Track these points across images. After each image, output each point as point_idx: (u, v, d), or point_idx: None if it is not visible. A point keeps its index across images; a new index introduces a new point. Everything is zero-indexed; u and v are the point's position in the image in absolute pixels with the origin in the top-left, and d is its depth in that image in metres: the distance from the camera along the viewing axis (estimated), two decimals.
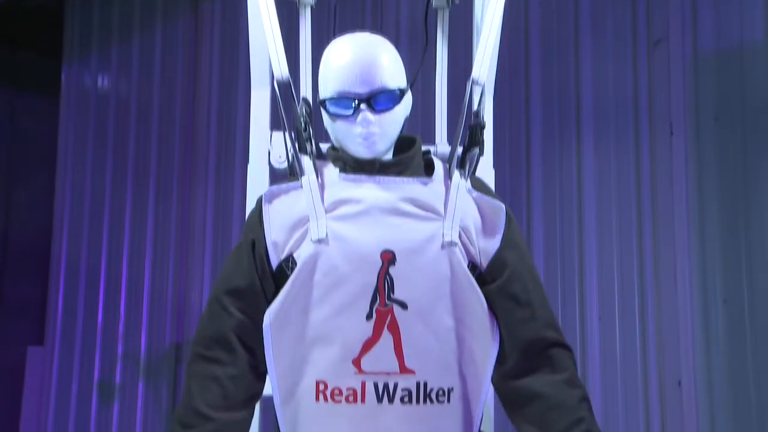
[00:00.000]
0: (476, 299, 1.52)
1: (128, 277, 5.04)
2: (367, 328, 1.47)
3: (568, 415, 1.49)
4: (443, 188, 1.54)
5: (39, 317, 5.28)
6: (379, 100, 1.53)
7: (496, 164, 2.07)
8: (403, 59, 1.60)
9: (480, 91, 1.65)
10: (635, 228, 3.30)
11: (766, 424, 2.90)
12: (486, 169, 2.01)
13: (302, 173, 1.54)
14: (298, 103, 1.62)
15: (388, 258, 1.48)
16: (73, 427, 4.98)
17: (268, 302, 1.52)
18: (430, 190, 1.53)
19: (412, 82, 1.65)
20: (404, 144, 1.62)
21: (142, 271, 5.01)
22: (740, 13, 3.08)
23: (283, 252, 1.52)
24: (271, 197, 1.55)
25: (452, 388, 1.51)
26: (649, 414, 3.15)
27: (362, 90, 1.52)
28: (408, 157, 1.58)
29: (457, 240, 1.51)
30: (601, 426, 1.54)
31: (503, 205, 1.57)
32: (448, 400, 1.51)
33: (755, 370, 2.96)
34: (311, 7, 2.10)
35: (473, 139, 1.60)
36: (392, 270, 1.48)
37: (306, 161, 1.55)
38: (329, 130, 1.61)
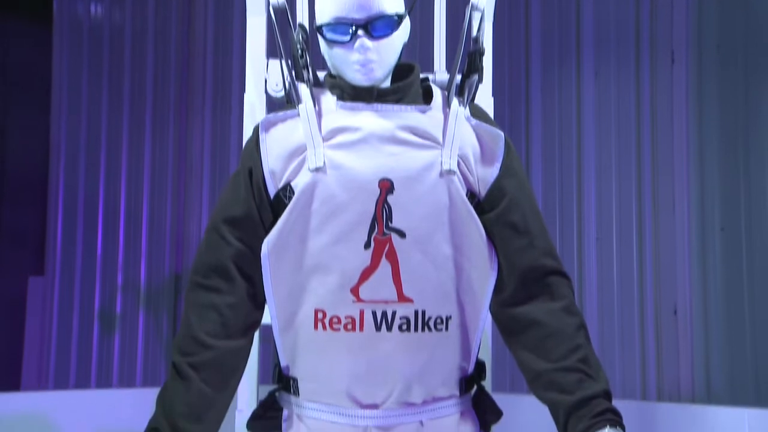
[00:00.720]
0: (475, 228, 1.51)
1: (126, 207, 5.04)
2: (365, 257, 1.47)
3: (565, 342, 1.51)
4: (442, 116, 1.52)
5: (39, 247, 5.30)
6: (376, 26, 1.50)
7: (495, 92, 2.05)
8: None
9: (479, 17, 1.62)
10: (634, 155, 3.29)
11: (760, 352, 2.94)
12: (485, 97, 1.99)
13: (299, 101, 1.52)
14: (295, 29, 1.59)
15: (386, 186, 1.47)
16: (75, 357, 5.04)
17: (266, 231, 1.51)
18: (429, 117, 1.52)
19: (410, 7, 1.61)
20: (402, 71, 1.60)
21: (140, 202, 5.01)
22: None
23: (280, 181, 1.51)
24: (267, 125, 1.53)
25: (450, 316, 1.52)
26: (645, 342, 3.19)
27: (359, 15, 1.49)
28: (406, 85, 1.56)
29: (455, 168, 1.50)
30: (598, 353, 1.55)
31: (502, 133, 1.55)
32: (446, 328, 1.51)
33: (750, 299, 2.98)
34: None
35: (472, 66, 1.58)
36: (390, 198, 1.48)
37: (303, 89, 1.53)
38: (326, 57, 1.58)
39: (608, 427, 1.44)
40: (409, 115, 1.51)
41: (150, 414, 1.54)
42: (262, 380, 2.02)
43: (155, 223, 4.98)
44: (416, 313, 1.49)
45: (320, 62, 1.63)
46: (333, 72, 1.59)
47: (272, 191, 1.52)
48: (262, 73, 1.96)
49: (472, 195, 1.53)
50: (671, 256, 3.15)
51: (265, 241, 1.50)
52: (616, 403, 1.49)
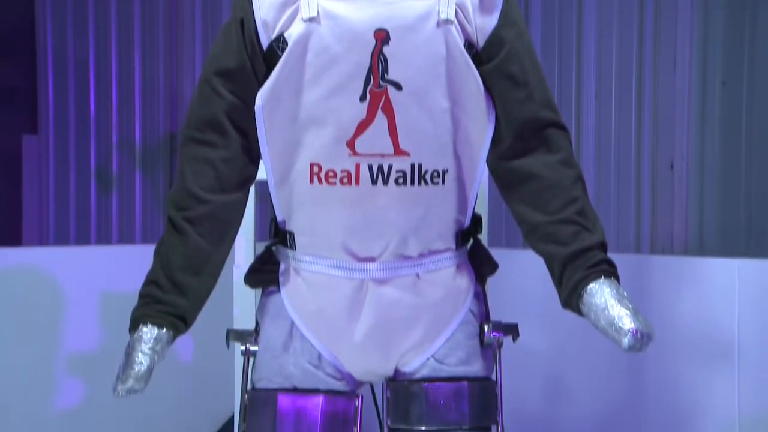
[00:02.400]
0: (472, 79, 1.48)
1: (118, 64, 4.95)
2: (360, 110, 1.45)
3: (563, 194, 1.50)
4: None
5: (31, 106, 5.23)
6: None
7: None
8: None
9: None
10: (636, 8, 3.20)
11: (753, 206, 2.95)
12: None
13: None
14: None
15: (382, 37, 1.43)
16: (73, 215, 5.08)
17: (260, 84, 1.48)
18: None
19: None
20: None
21: (131, 58, 4.92)
22: None
23: (273, 31, 1.46)
24: None
25: (447, 170, 1.50)
26: (641, 196, 3.20)
27: None
28: None
29: (453, 18, 1.45)
30: (594, 206, 1.56)
31: None
32: (443, 182, 1.51)
33: (748, 155, 2.98)
34: None
35: None
36: (386, 49, 1.44)
37: None
38: None
39: (603, 277, 1.46)
40: None
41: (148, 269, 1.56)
42: (259, 238, 2.03)
43: (148, 79, 4.90)
44: (413, 166, 1.47)
45: None
46: None
47: (265, 42, 1.47)
48: None
49: (470, 45, 1.48)
50: (670, 110, 3.12)
51: (259, 93, 1.47)
52: (611, 256, 1.50)
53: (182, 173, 1.53)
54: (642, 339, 1.39)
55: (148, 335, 1.49)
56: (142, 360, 1.47)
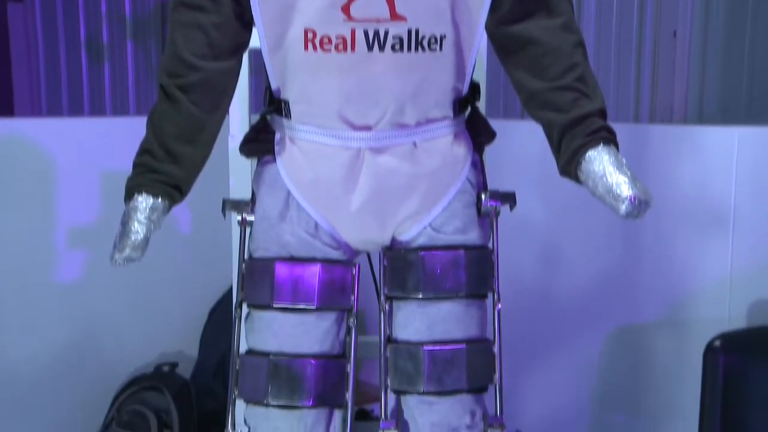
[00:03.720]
0: None
1: None
2: None
3: (562, 60, 1.47)
4: None
5: None
6: None
7: None
8: None
9: None
10: None
11: (755, 74, 2.91)
12: None
13: None
14: None
15: None
16: (65, 88, 5.01)
17: None
18: None
19: None
20: None
21: None
22: None
23: None
24: None
25: (445, 35, 1.46)
26: (641, 64, 3.15)
27: None
28: None
29: None
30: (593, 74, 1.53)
31: None
32: (441, 48, 1.46)
33: (753, 25, 2.91)
34: None
35: None
36: None
37: None
38: None
39: (602, 144, 1.44)
40: None
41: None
42: (254, 110, 2.01)
43: None
44: (409, 31, 1.43)
45: None
46: None
47: None
48: None
49: None
50: None
51: None
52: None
53: (173, 39, 1.48)
54: (640, 206, 1.39)
55: (144, 204, 1.49)
56: (138, 229, 1.48)
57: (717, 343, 2.01)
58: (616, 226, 2.40)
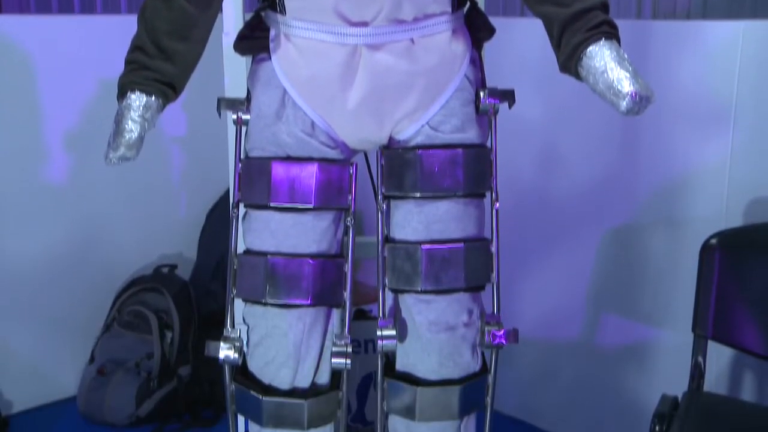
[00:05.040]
0: None
1: None
2: None
3: None
4: None
5: None
6: None
7: None
8: None
9: None
10: None
11: None
12: None
13: None
14: None
15: None
16: None
17: None
18: None
19: None
20: None
21: None
22: None
23: None
24: None
25: None
26: None
27: None
28: None
29: None
30: None
31: None
32: None
33: None
34: None
35: None
36: None
37: None
38: None
39: (603, 39, 1.41)
40: None
41: None
42: (248, 8, 1.96)
43: None
44: None
45: None
46: None
47: None
48: None
49: None
50: None
51: None
52: None
53: None
54: (640, 102, 1.36)
55: (137, 103, 1.47)
56: (132, 128, 1.46)
57: (713, 241, 2.01)
58: (615, 125, 2.37)
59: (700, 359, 2.02)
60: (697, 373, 2.02)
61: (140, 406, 2.78)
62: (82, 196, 2.92)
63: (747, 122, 2.14)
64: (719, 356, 2.22)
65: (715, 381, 2.24)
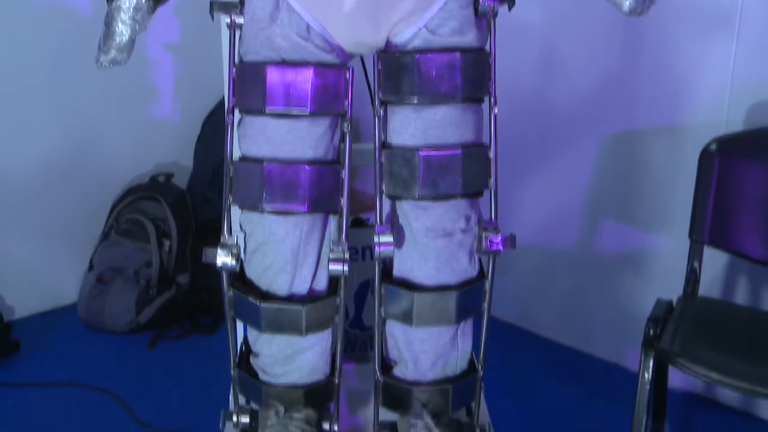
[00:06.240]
0: None
1: None
2: None
3: None
4: None
5: None
6: None
7: None
8: None
9: None
10: None
11: None
12: None
13: None
14: None
15: None
16: None
17: None
18: None
19: None
20: None
21: None
22: None
23: None
24: None
25: None
26: None
27: None
28: None
29: None
30: None
31: None
32: None
33: None
34: None
35: None
36: None
37: None
38: None
39: None
40: None
41: None
42: None
43: None
44: None
45: None
46: None
47: None
48: None
49: None
50: None
51: None
52: None
53: None
54: (644, 2, 1.33)
55: (127, 4, 1.43)
56: (122, 30, 1.42)
57: (713, 146, 2.00)
58: (617, 27, 2.33)
59: (696, 264, 2.03)
60: (693, 278, 2.03)
61: (140, 314, 2.81)
62: (74, 104, 2.88)
63: (752, 25, 2.10)
64: (714, 262, 2.23)
65: (709, 286, 2.26)
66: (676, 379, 2.14)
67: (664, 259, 2.40)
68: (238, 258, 1.53)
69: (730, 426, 2.32)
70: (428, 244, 1.54)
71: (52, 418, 2.36)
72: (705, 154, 2.00)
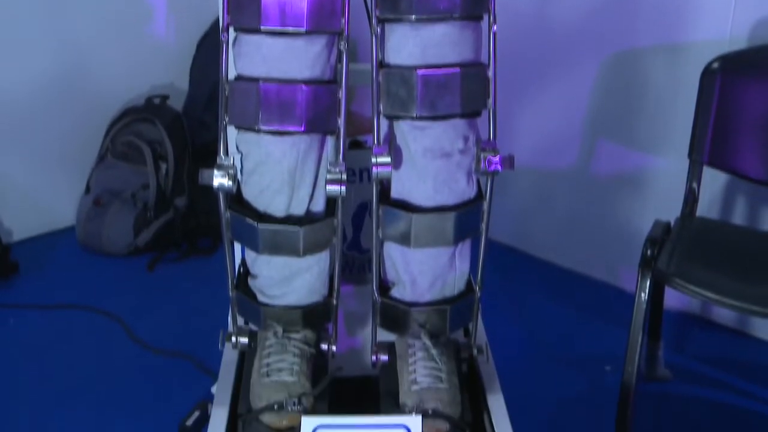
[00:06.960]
0: None
1: None
2: None
3: None
4: None
5: None
6: None
7: None
8: None
9: None
10: None
11: None
12: None
13: None
14: None
15: None
16: None
17: None
18: None
19: None
20: None
21: None
22: None
23: None
24: None
25: None
26: None
27: None
28: None
29: None
30: None
31: None
32: None
33: None
34: None
35: None
36: None
37: None
38: None
39: None
40: None
41: None
42: None
43: None
44: None
45: None
46: None
47: None
48: None
49: None
50: None
51: None
52: None
53: None
54: None
55: None
56: None
57: (715, 65, 1.97)
58: None
59: (695, 185, 2.03)
60: (691, 198, 2.03)
61: (138, 236, 2.81)
62: (67, 24, 2.84)
63: None
64: (713, 183, 2.22)
65: (707, 207, 2.26)
66: (671, 299, 2.16)
67: (663, 179, 2.40)
68: (234, 179, 1.52)
69: (725, 344, 2.36)
70: (426, 164, 1.53)
71: (51, 338, 2.38)
72: (707, 73, 1.98)
